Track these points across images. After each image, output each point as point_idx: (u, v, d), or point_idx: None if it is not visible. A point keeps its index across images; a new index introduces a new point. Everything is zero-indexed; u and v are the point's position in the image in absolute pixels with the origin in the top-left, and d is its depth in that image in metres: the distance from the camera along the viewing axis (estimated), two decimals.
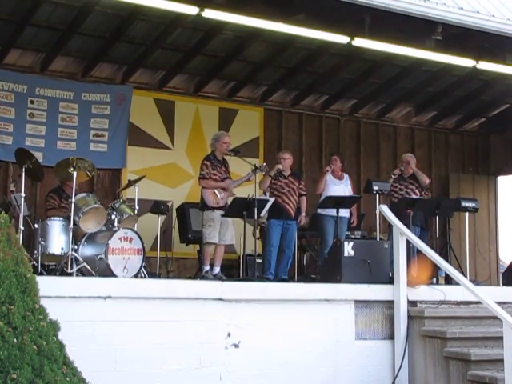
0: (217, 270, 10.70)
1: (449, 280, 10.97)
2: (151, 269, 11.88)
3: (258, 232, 12.09)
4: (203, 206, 10.76)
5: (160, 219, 12.32)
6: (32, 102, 13.15)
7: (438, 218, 13.00)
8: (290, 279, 11.53)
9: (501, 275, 14.30)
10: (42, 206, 11.93)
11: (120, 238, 9.77)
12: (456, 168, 17.59)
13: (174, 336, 7.85)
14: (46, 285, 6.00)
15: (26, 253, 5.62)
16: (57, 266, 9.79)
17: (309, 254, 13.70)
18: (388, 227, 10.32)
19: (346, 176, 12.29)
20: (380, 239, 10.96)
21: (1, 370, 4.70)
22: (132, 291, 7.77)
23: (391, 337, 9.18)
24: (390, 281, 9.41)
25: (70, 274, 9.21)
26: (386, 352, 9.13)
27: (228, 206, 10.68)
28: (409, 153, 13.46)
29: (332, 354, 8.79)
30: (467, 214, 12.63)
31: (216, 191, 10.71)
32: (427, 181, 12.37)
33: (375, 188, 11.15)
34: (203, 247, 10.94)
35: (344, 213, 11.66)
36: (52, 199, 11.05)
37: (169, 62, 13.93)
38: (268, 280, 10.56)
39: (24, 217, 9.79)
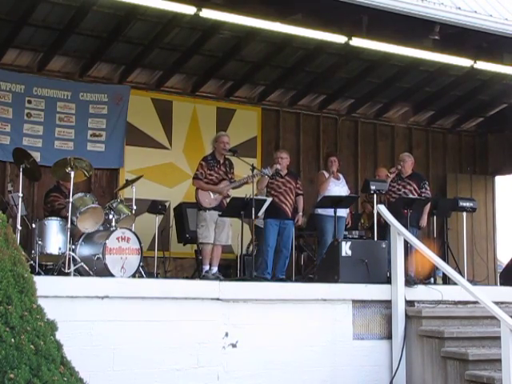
0: (214, 269, 10.70)
1: (446, 280, 10.98)
2: (149, 269, 11.87)
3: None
4: (197, 205, 10.80)
5: (157, 219, 12.31)
6: (29, 102, 13.13)
7: (435, 217, 13.03)
8: (288, 279, 11.52)
9: (498, 275, 14.29)
10: (40, 206, 11.94)
11: (117, 238, 9.76)
12: (453, 168, 17.60)
13: (171, 336, 7.85)
14: (44, 285, 6.00)
15: (23, 252, 5.61)
16: (54, 266, 9.78)
17: (306, 254, 13.69)
18: (385, 226, 10.30)
19: (341, 176, 12.29)
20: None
21: None
22: (129, 291, 7.77)
23: (389, 337, 9.19)
24: (388, 281, 9.42)
25: (68, 274, 9.21)
26: (383, 352, 9.14)
27: (226, 205, 10.68)
28: (406, 152, 13.49)
29: (330, 354, 8.80)
30: (465, 213, 12.67)
31: (210, 192, 10.71)
32: (424, 223, 12.33)
33: (373, 188, 11.15)
34: (202, 247, 10.94)
35: (342, 213, 11.67)
36: (57, 198, 11.01)
37: (166, 62, 13.92)
38: (265, 280, 10.55)
39: (21, 216, 9.82)
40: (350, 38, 11.55)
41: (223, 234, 10.75)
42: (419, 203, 11.86)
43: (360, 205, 14.35)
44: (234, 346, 8.21)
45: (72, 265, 9.38)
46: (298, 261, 13.49)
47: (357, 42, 11.66)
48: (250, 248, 12.50)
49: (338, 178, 12.13)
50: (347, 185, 12.31)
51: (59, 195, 11.02)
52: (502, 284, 11.76)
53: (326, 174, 12.00)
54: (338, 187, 11.94)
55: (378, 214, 10.16)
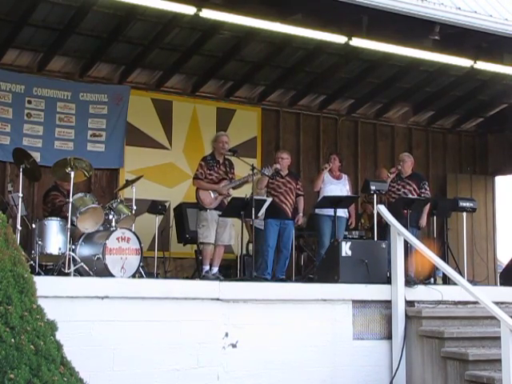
0: (215, 270, 10.70)
1: (446, 280, 10.98)
2: (149, 269, 11.86)
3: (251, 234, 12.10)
4: (198, 205, 10.80)
5: (157, 219, 12.30)
6: (29, 102, 13.12)
7: (435, 217, 13.03)
8: (288, 279, 11.53)
9: (498, 275, 14.30)
10: (40, 206, 11.93)
11: (117, 238, 9.75)
12: (453, 168, 17.61)
13: (171, 336, 7.85)
14: (44, 285, 6.00)
15: (23, 253, 5.61)
16: (54, 266, 9.77)
17: (306, 254, 13.69)
18: (385, 227, 10.31)
19: (344, 176, 12.29)
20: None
21: None
22: (129, 291, 7.77)
23: (389, 337, 9.19)
24: (388, 281, 9.42)
25: (68, 274, 9.20)
26: (383, 352, 9.14)
27: (226, 206, 10.68)
28: (406, 152, 13.50)
29: (330, 354, 8.80)
30: (465, 213, 12.66)
31: (210, 192, 10.72)
32: (424, 223, 12.34)
33: (373, 188, 11.15)
34: (203, 247, 10.94)
35: (342, 213, 11.67)
36: (57, 196, 11.02)
37: (166, 62, 13.92)
38: (265, 280, 10.55)
39: (21, 217, 9.81)
40: (349, 38, 11.55)
41: (225, 233, 10.76)
42: (419, 203, 11.86)
43: (360, 205, 14.35)
44: (233, 346, 8.21)
45: (72, 265, 9.38)
46: (298, 261, 13.50)
47: (357, 42, 11.66)
48: (249, 248, 12.51)
49: (338, 178, 12.12)
50: (349, 185, 12.29)
51: (58, 193, 11.03)
52: (502, 284, 11.77)
53: (324, 174, 11.99)
54: (335, 186, 11.92)
55: (379, 214, 10.16)
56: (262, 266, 11.11)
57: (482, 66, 12.62)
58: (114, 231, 9.85)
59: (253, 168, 10.70)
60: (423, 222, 12.18)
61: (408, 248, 10.41)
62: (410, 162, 12.42)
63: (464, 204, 12.54)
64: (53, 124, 13.31)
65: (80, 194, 10.29)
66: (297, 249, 13.06)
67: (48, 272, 9.79)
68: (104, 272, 9.49)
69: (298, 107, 15.90)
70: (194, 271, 12.62)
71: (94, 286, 7.75)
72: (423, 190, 12.21)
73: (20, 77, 13.09)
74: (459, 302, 9.53)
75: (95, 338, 7.40)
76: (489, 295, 8.53)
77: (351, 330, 9.01)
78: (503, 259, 16.93)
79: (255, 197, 10.57)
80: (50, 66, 13.34)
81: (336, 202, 11.36)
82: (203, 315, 8.08)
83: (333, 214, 11.35)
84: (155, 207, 12.34)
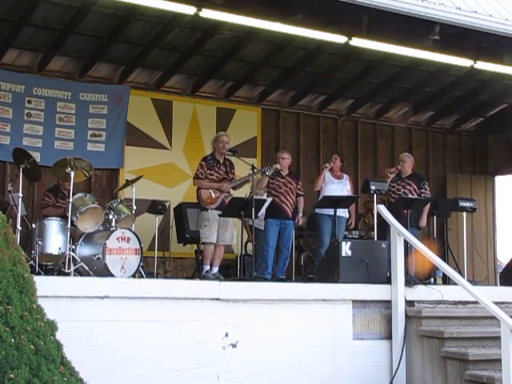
0: (215, 269, 10.70)
1: (446, 280, 10.98)
2: (149, 269, 11.87)
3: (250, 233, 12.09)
4: (199, 205, 10.80)
5: (157, 219, 12.30)
6: (29, 102, 13.12)
7: (435, 217, 13.03)
8: (288, 279, 11.53)
9: (498, 275, 14.30)
10: (39, 206, 11.94)
11: (117, 238, 9.76)
12: (453, 168, 17.61)
13: (171, 336, 7.85)
14: (44, 285, 6.00)
15: (23, 253, 5.61)
16: (54, 266, 9.78)
17: (306, 254, 13.69)
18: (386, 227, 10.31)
19: (345, 176, 12.29)
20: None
21: None
22: (129, 291, 7.77)
23: (389, 337, 9.19)
24: (388, 281, 9.42)
25: (68, 274, 9.20)
26: (383, 352, 9.14)
27: (226, 205, 10.68)
28: (406, 152, 13.50)
29: (330, 354, 8.80)
30: (465, 213, 12.66)
31: (211, 191, 10.72)
32: (424, 223, 12.34)
33: (373, 188, 11.14)
34: (204, 247, 10.93)
35: (342, 213, 11.67)
36: (47, 197, 11.05)
37: (166, 62, 13.92)
38: (266, 280, 10.56)
39: (21, 217, 9.81)
40: (350, 38, 11.55)
41: (227, 233, 10.76)
42: (419, 203, 11.86)
43: (364, 204, 14.33)
44: (234, 346, 8.21)
45: (72, 265, 9.38)
46: (298, 261, 13.50)
47: (357, 42, 11.66)
48: (247, 247, 12.51)
49: (339, 178, 12.12)
50: (350, 185, 12.28)
51: (51, 195, 11.03)
52: (502, 284, 11.77)
53: (325, 173, 12.00)
54: (336, 186, 11.92)
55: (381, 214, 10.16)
56: (262, 266, 11.11)
57: (481, 66, 12.62)
58: (113, 231, 9.85)
59: (253, 168, 10.70)
60: (423, 222, 12.18)
61: (408, 248, 10.41)
62: (409, 162, 12.43)
63: (464, 204, 12.54)
64: (53, 124, 13.31)
65: (80, 194, 10.30)
66: (297, 249, 13.07)
67: (48, 272, 9.80)
68: (104, 272, 9.49)
69: (298, 107, 15.90)
70: (194, 271, 12.62)
71: (94, 285, 7.75)
72: (423, 190, 12.22)
73: (20, 77, 13.09)
74: (459, 302, 9.53)
75: (95, 338, 7.40)
76: (489, 295, 8.53)
77: (351, 330, 9.01)
78: (503, 259, 16.93)
79: (255, 197, 10.58)
80: (50, 66, 13.34)
81: (336, 201, 11.37)
82: (203, 315, 8.08)
83: (333, 213, 11.35)
84: (155, 207, 12.34)
